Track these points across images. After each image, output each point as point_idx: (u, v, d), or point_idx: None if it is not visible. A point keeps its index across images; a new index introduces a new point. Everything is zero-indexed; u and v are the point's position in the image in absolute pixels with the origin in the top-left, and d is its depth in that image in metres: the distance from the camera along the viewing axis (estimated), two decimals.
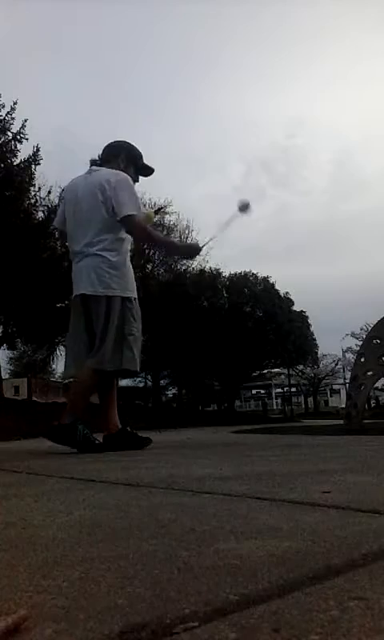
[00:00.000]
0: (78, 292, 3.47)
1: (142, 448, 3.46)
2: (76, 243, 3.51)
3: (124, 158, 3.66)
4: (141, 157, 3.76)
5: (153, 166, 3.84)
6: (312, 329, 29.48)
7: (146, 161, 3.81)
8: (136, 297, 3.52)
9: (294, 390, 46.54)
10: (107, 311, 3.37)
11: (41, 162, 14.68)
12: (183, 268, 23.35)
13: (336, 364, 43.41)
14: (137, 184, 3.69)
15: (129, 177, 3.51)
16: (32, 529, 0.99)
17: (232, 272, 26.69)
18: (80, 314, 3.45)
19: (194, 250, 4.05)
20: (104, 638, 0.48)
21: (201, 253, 4.01)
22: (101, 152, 3.74)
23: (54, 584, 0.64)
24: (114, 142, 3.73)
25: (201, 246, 3.90)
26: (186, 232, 23.35)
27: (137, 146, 3.76)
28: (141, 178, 3.82)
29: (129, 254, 3.59)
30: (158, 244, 3.70)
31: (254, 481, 1.61)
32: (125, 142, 3.74)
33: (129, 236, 3.53)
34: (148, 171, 3.84)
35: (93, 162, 3.65)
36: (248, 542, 0.82)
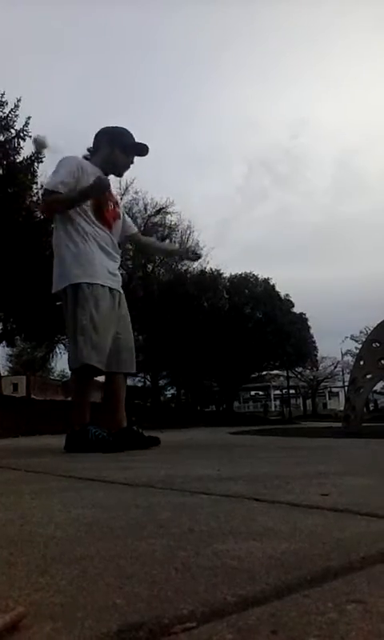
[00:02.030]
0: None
1: (147, 447, 3.34)
2: None
3: (107, 143, 3.52)
4: (127, 136, 3.57)
5: (144, 142, 3.59)
6: (312, 331, 29.55)
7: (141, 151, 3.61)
8: (93, 282, 3.26)
9: (292, 392, 46.53)
10: (64, 307, 3.31)
11: (43, 159, 14.68)
12: (184, 268, 23.38)
13: (335, 367, 43.47)
14: (132, 165, 3.61)
15: (66, 157, 3.41)
16: (30, 526, 0.99)
17: (233, 273, 26.74)
18: None
19: (100, 187, 3.28)
20: (102, 637, 0.48)
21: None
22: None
23: (52, 582, 0.64)
24: (99, 130, 3.60)
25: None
26: (188, 232, 23.38)
27: (122, 127, 3.59)
28: (139, 159, 3.63)
29: (83, 235, 3.33)
30: (63, 204, 3.30)
31: (253, 482, 1.60)
32: (107, 126, 3.60)
33: (78, 217, 3.34)
34: (140, 149, 3.59)
35: (84, 157, 3.58)
36: (246, 543, 0.82)
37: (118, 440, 3.26)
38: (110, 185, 3.33)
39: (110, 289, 3.37)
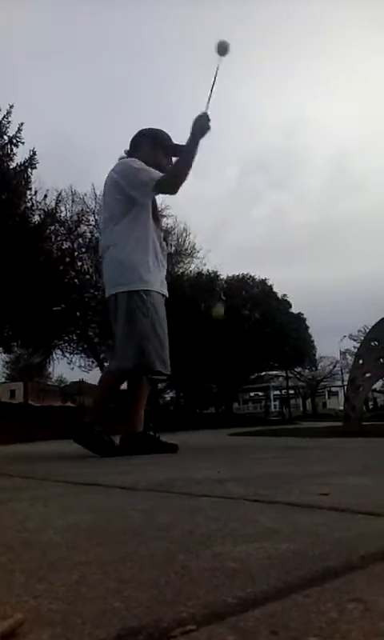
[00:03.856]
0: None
1: (162, 453, 3.22)
2: (101, 238, 3.55)
3: (149, 144, 3.55)
4: (167, 138, 3.62)
5: (182, 144, 3.52)
6: (310, 331, 29.57)
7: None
8: (150, 289, 3.28)
9: (292, 392, 46.56)
10: (114, 310, 3.29)
11: (37, 165, 14.70)
12: (181, 271, 23.37)
13: (334, 366, 43.55)
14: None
15: (133, 159, 3.43)
16: (28, 533, 0.99)
17: (230, 275, 26.74)
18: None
19: (203, 124, 3.29)
20: None
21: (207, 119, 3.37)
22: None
23: (51, 588, 0.63)
24: (138, 131, 3.64)
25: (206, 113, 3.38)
26: (184, 235, 23.35)
27: (161, 129, 3.65)
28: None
29: (142, 240, 3.33)
30: (187, 166, 3.28)
31: (252, 483, 1.60)
32: (147, 128, 3.64)
33: (141, 222, 3.35)
34: (179, 150, 3.58)
35: (121, 159, 3.58)
36: (246, 544, 0.81)
37: (127, 444, 3.25)
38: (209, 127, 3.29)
39: (163, 295, 3.41)
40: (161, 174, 3.31)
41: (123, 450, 3.22)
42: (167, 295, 3.49)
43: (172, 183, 3.38)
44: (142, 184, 3.30)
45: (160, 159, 3.54)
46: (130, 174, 3.35)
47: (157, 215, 3.51)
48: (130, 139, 3.63)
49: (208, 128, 3.25)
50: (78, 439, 3.23)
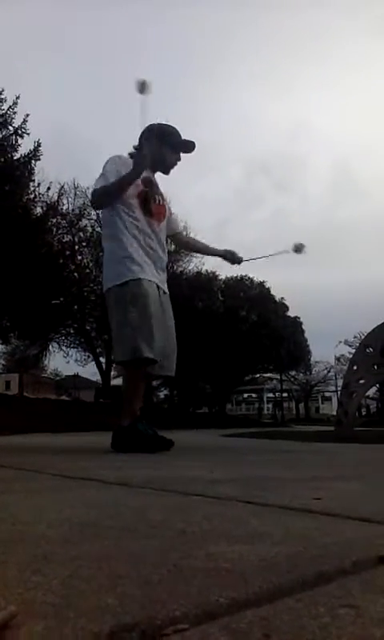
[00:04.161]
0: None
1: (152, 452, 3.05)
2: None
3: (156, 141, 3.48)
4: (175, 134, 3.56)
5: (192, 140, 3.58)
6: (306, 335, 29.58)
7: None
8: (140, 277, 3.21)
9: (285, 395, 46.59)
10: (109, 305, 3.31)
11: (41, 157, 14.68)
12: (179, 270, 23.37)
13: (328, 371, 43.55)
14: (179, 162, 3.58)
15: (112, 157, 3.39)
16: (22, 525, 0.99)
17: (228, 275, 26.72)
18: None
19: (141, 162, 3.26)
20: (94, 637, 0.48)
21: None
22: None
23: (44, 581, 0.63)
24: (146, 126, 3.54)
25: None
26: (184, 234, 23.35)
27: (170, 124, 3.58)
28: (184, 155, 3.61)
29: (122, 235, 3.28)
30: (108, 198, 3.29)
31: (246, 485, 1.60)
32: (154, 123, 3.55)
33: (118, 219, 3.32)
34: (187, 147, 3.59)
35: (130, 155, 3.52)
36: (239, 545, 0.82)
37: (113, 439, 3.19)
38: (149, 164, 3.33)
39: (158, 286, 3.34)
40: (103, 184, 3.29)
41: (113, 445, 3.17)
42: (166, 290, 3.46)
43: (92, 198, 3.53)
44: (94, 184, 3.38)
45: (166, 156, 3.51)
46: (100, 174, 3.37)
47: (150, 209, 3.40)
48: (139, 134, 3.56)
49: (142, 168, 3.23)
50: (120, 446, 3.11)
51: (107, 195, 3.31)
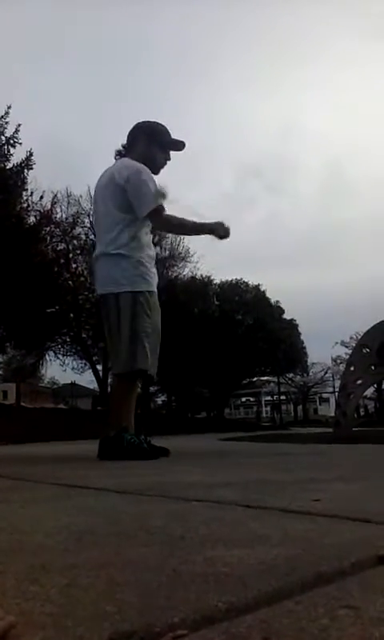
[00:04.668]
0: (97, 293, 3.41)
1: (142, 459, 2.96)
2: (97, 243, 3.48)
3: (145, 139, 3.43)
4: (165, 133, 3.48)
5: (182, 139, 3.51)
6: (302, 337, 29.61)
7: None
8: (153, 290, 3.24)
9: (283, 398, 46.57)
10: (116, 309, 3.19)
11: (33, 166, 14.68)
12: (174, 275, 23.38)
13: (325, 372, 43.55)
14: (168, 162, 3.52)
15: (142, 166, 3.27)
16: (19, 535, 0.98)
17: (223, 280, 26.75)
18: (102, 317, 3.34)
19: (224, 232, 3.43)
20: None
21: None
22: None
23: (42, 591, 0.63)
24: (135, 125, 3.50)
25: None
26: (178, 239, 23.34)
27: (159, 122, 3.50)
28: (172, 154, 3.55)
29: (144, 244, 3.29)
30: (180, 232, 3.42)
31: (244, 489, 1.60)
32: (143, 121, 3.50)
33: (144, 227, 3.31)
34: (177, 146, 3.52)
35: (117, 153, 3.49)
36: (237, 549, 0.81)
37: (100, 447, 3.13)
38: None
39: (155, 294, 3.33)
40: (156, 199, 3.20)
41: (100, 455, 3.11)
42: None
43: (161, 225, 3.48)
44: (147, 200, 3.19)
45: (156, 155, 3.44)
46: (136, 184, 3.22)
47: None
48: (128, 132, 3.51)
49: (226, 236, 3.35)
50: (106, 455, 3.05)
51: (172, 229, 3.54)
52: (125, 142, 3.55)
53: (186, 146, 3.55)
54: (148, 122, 3.51)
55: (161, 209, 3.22)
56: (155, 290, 3.29)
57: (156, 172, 3.51)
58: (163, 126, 3.50)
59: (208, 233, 3.49)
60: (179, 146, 3.53)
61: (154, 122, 3.51)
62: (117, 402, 3.24)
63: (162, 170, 3.51)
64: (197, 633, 0.50)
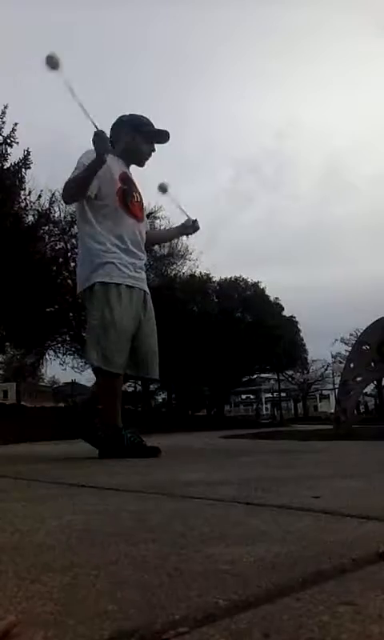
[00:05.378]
0: None
1: (142, 457, 2.98)
2: None
3: (129, 132, 3.41)
4: (146, 124, 3.45)
5: (165, 129, 3.47)
6: (302, 334, 29.62)
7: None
8: (103, 280, 3.12)
9: (283, 395, 46.63)
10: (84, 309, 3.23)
11: (31, 165, 14.65)
12: (173, 273, 23.37)
13: (325, 369, 43.58)
14: (154, 153, 3.49)
15: (86, 151, 3.18)
16: (20, 534, 0.98)
17: (222, 277, 26.73)
18: None
19: (99, 141, 3.07)
20: None
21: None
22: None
23: (44, 590, 0.63)
24: (117, 118, 3.47)
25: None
26: (176, 238, 23.38)
27: (142, 115, 3.47)
28: (158, 146, 3.51)
29: (95, 233, 3.21)
30: (77, 188, 3.15)
31: (244, 486, 1.60)
32: (126, 115, 3.47)
33: (91, 215, 3.24)
34: (161, 137, 3.49)
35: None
36: (238, 547, 0.82)
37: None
38: (109, 146, 3.13)
39: (130, 287, 3.21)
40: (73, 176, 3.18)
41: (100, 452, 3.12)
42: (145, 289, 3.36)
43: (62, 192, 3.41)
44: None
45: (140, 145, 3.42)
46: (74, 169, 3.24)
47: (129, 206, 3.31)
48: (111, 126, 3.45)
49: (103, 147, 3.04)
50: (107, 454, 3.06)
51: (75, 186, 3.18)
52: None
53: (170, 136, 3.51)
54: (131, 114, 3.48)
55: (66, 195, 3.39)
56: (115, 280, 3.15)
57: (141, 164, 3.52)
58: (146, 117, 3.48)
59: (180, 235, 3.78)
60: (163, 136, 3.49)
61: (137, 115, 3.48)
62: (101, 401, 3.22)
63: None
64: (198, 630, 0.50)
